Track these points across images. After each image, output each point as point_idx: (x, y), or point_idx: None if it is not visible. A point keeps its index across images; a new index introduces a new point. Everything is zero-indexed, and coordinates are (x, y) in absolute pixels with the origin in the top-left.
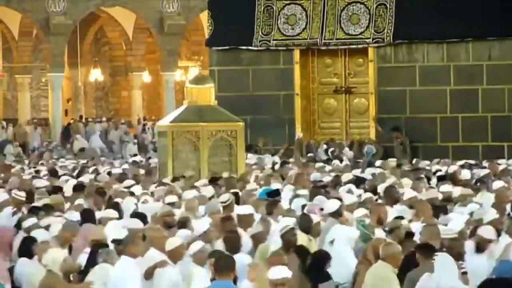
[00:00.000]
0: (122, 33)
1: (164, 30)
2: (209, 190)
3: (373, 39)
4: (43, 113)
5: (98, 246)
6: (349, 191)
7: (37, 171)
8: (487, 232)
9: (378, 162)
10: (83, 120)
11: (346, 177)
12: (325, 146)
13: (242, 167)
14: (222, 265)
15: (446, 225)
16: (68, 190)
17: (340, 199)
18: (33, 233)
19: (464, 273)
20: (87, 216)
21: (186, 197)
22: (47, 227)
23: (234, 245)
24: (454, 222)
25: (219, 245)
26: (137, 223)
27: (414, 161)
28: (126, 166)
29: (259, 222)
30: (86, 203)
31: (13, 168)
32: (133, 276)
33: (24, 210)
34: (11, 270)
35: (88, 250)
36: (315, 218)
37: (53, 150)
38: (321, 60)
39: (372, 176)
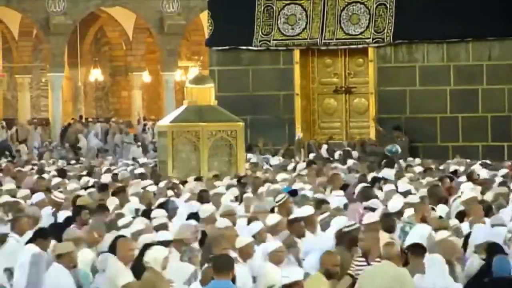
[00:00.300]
0: (122, 33)
1: (164, 30)
2: (233, 191)
3: (373, 39)
4: (43, 113)
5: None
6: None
7: (41, 171)
8: None
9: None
10: (83, 120)
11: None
12: (326, 146)
13: (242, 167)
14: (221, 265)
15: (503, 225)
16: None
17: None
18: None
19: None
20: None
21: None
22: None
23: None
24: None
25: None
26: (193, 223)
27: (417, 161)
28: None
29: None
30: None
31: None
32: None
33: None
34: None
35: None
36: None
37: (53, 150)
38: (321, 60)
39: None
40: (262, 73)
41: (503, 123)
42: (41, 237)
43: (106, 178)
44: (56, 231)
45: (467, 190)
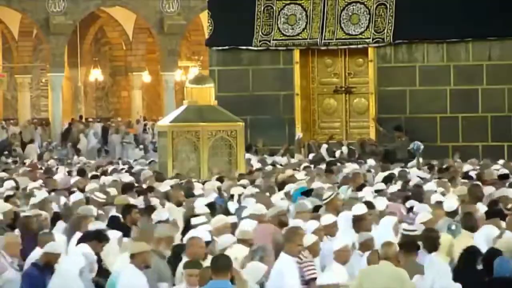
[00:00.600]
0: (122, 33)
1: (164, 30)
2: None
3: (373, 39)
4: (43, 113)
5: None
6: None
7: (49, 170)
8: None
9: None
10: (83, 120)
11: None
12: (325, 146)
13: (242, 167)
14: (220, 265)
15: None
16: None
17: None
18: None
19: None
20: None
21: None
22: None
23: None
24: None
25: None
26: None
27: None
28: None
29: None
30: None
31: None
32: (293, 273)
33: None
34: None
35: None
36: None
37: (53, 150)
38: (321, 60)
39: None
40: (262, 73)
41: (503, 123)
42: (96, 239)
43: (126, 178)
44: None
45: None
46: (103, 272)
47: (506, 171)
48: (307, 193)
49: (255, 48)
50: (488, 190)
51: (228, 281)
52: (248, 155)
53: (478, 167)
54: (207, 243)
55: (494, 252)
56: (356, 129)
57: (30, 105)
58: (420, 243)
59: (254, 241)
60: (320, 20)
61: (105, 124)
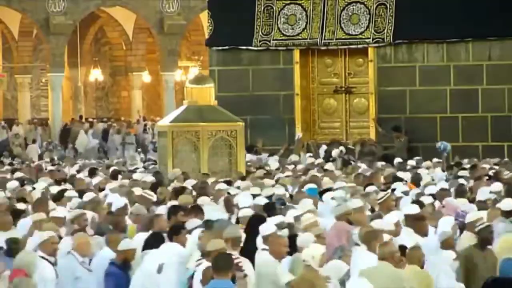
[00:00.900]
0: (122, 33)
1: (164, 30)
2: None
3: (373, 39)
4: (43, 113)
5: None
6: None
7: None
8: None
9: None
10: (83, 120)
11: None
12: (325, 147)
13: (242, 167)
14: (221, 264)
15: None
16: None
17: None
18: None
19: None
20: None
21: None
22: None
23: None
24: None
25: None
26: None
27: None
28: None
29: None
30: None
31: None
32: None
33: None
34: None
35: None
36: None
37: (53, 150)
38: (321, 60)
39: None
40: (262, 73)
41: (503, 123)
42: (175, 234)
43: (149, 178)
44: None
45: None
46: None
47: None
48: (323, 192)
49: (255, 48)
50: None
51: (229, 280)
52: (249, 156)
53: (496, 166)
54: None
55: None
56: (356, 129)
57: (30, 105)
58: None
59: (331, 239)
60: (320, 20)
61: (104, 124)
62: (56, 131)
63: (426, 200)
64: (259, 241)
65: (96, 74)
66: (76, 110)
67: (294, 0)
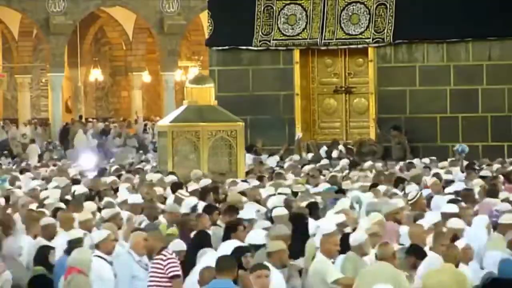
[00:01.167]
0: (122, 33)
1: (164, 30)
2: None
3: (373, 39)
4: (43, 113)
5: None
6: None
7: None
8: None
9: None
10: (83, 120)
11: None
12: (325, 148)
13: (242, 167)
14: (223, 265)
15: None
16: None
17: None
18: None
19: None
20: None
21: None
22: None
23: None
24: None
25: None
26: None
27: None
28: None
29: None
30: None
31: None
32: None
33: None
34: None
35: None
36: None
37: (53, 150)
38: (321, 60)
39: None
40: (262, 73)
41: (503, 123)
42: (233, 231)
43: (169, 178)
44: None
45: None
46: None
47: None
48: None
49: (255, 48)
50: None
51: (230, 281)
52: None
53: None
54: None
55: None
56: (356, 129)
57: (30, 105)
58: None
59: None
60: (320, 20)
61: (104, 124)
62: (56, 131)
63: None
64: (317, 239)
65: (96, 74)
66: (76, 110)
67: (294, 0)
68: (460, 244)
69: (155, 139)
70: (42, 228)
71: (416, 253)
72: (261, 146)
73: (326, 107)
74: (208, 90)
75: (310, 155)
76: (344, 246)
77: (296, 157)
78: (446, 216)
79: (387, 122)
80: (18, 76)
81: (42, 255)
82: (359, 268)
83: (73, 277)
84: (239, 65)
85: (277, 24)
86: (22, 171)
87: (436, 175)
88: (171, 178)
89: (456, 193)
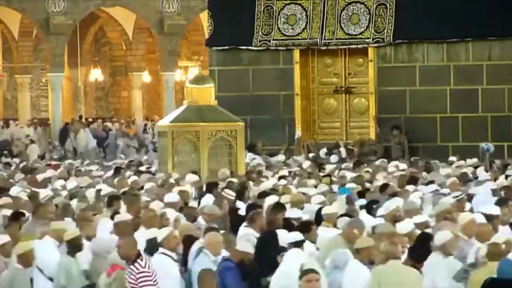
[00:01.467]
0: (122, 33)
1: (164, 30)
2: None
3: (373, 39)
4: (43, 113)
5: None
6: None
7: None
8: None
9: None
10: (83, 120)
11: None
12: (325, 150)
13: (242, 167)
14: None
15: None
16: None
17: None
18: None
19: None
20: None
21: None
22: None
23: None
24: None
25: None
26: None
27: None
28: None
29: None
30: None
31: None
32: None
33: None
34: None
35: None
36: None
37: (53, 150)
38: (321, 60)
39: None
40: (262, 73)
41: (503, 123)
42: (307, 231)
43: (191, 177)
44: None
45: None
46: None
47: None
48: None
49: (255, 48)
50: None
51: None
52: (250, 155)
53: None
54: None
55: None
56: (356, 129)
57: (30, 105)
58: None
59: None
60: (320, 20)
61: (104, 124)
62: (56, 131)
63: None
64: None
65: (96, 74)
66: (76, 110)
67: (294, 0)
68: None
69: (155, 139)
70: (115, 225)
71: None
72: (261, 146)
73: (326, 107)
74: (208, 90)
75: (310, 155)
76: (423, 246)
77: (297, 157)
78: (491, 218)
79: (387, 122)
80: (18, 76)
81: None
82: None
83: (118, 274)
84: (239, 65)
85: (277, 24)
86: (30, 171)
87: (464, 174)
88: (193, 177)
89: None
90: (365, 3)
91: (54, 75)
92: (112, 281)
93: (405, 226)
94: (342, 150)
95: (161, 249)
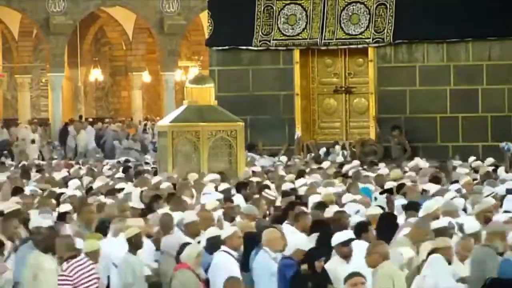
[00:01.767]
0: (122, 33)
1: (164, 30)
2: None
3: (373, 39)
4: (43, 113)
5: None
6: None
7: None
8: None
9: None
10: (83, 120)
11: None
12: (324, 149)
13: (242, 167)
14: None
15: None
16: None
17: None
18: None
19: None
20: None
21: None
22: None
23: None
24: None
25: None
26: None
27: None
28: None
29: None
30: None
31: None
32: None
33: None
34: None
35: None
36: None
37: (53, 150)
38: (321, 60)
39: None
40: (262, 73)
41: (503, 123)
42: (364, 231)
43: (212, 176)
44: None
45: None
46: None
47: None
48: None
49: (255, 48)
50: None
51: None
52: (251, 155)
53: None
54: None
55: None
56: (356, 129)
57: (30, 105)
58: None
59: None
60: (320, 20)
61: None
62: (56, 131)
63: None
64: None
65: (96, 74)
66: (76, 110)
67: (294, 0)
68: None
69: (155, 139)
70: (186, 226)
71: None
72: (261, 146)
73: (326, 107)
74: (208, 90)
75: (310, 155)
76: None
77: (298, 157)
78: None
79: (387, 122)
80: (18, 76)
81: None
82: None
83: (179, 272)
84: (239, 65)
85: (277, 24)
86: (38, 171)
87: (487, 174)
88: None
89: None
90: (365, 3)
91: (54, 75)
92: (173, 278)
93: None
94: (346, 151)
95: (223, 247)
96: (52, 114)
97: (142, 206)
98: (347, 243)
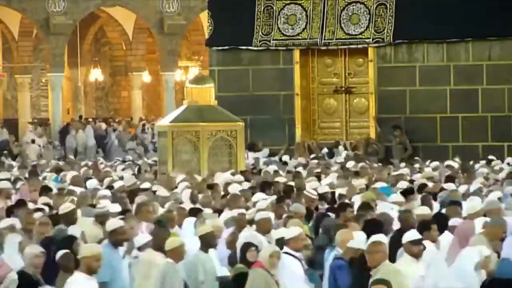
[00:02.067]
0: (122, 33)
1: (164, 30)
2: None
3: (373, 39)
4: (43, 113)
5: None
6: None
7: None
8: None
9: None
10: (83, 120)
11: None
12: (326, 150)
13: (242, 167)
14: None
15: None
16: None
17: None
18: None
19: None
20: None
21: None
22: None
23: None
24: None
25: None
26: None
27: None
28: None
29: None
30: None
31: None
32: None
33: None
34: None
35: None
36: None
37: (53, 150)
38: (321, 60)
39: None
40: (262, 73)
41: (503, 123)
42: (426, 229)
43: (227, 173)
44: None
45: None
46: None
47: None
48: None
49: (255, 48)
50: None
51: None
52: (252, 154)
53: None
54: None
55: None
56: (356, 129)
57: (30, 105)
58: None
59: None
60: (320, 20)
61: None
62: (56, 131)
63: None
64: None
65: (96, 74)
66: (76, 110)
67: (294, 0)
68: None
69: (155, 139)
70: (257, 223)
71: None
72: (261, 146)
73: (326, 107)
74: (208, 90)
75: (312, 156)
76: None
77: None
78: None
79: (387, 122)
80: (18, 76)
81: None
82: None
83: (252, 271)
84: (239, 65)
85: (277, 24)
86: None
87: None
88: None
89: None
90: (365, 3)
91: (54, 75)
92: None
93: None
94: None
95: (285, 249)
96: (52, 114)
97: (191, 205)
98: (417, 242)
